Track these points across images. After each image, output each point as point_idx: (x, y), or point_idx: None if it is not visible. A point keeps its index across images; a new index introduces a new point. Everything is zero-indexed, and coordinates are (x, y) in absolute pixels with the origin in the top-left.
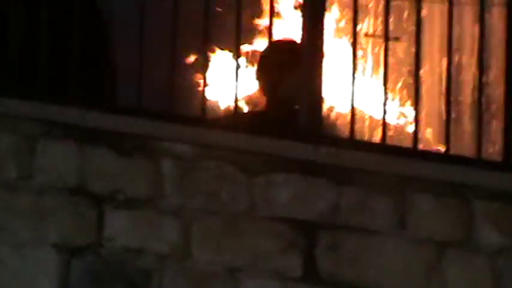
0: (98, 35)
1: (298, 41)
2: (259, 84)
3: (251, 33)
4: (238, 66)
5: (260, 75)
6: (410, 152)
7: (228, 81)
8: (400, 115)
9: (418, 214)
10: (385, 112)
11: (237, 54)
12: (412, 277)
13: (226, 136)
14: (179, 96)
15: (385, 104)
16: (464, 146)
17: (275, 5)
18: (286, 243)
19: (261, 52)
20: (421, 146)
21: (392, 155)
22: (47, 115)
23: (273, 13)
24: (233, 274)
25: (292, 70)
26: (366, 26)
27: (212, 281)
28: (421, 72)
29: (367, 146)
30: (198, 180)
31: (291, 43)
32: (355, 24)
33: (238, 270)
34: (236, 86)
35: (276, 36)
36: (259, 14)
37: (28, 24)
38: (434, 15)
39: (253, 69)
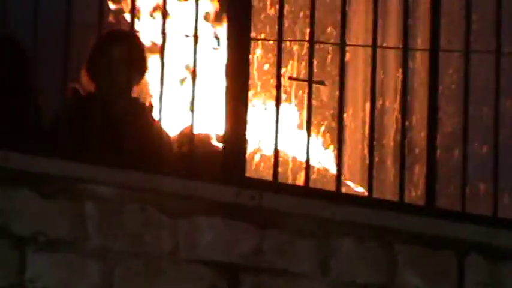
0: (20, 75)
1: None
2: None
3: None
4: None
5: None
6: (333, 195)
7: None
8: (323, 158)
9: (340, 257)
10: (308, 155)
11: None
12: None
13: (149, 178)
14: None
15: (308, 147)
16: (387, 190)
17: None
18: (209, 286)
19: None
20: (344, 190)
21: (316, 198)
22: None
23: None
24: None
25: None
26: (290, 69)
27: None
28: (345, 115)
29: (290, 189)
30: (122, 223)
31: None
32: (279, 68)
33: None
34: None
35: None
36: None
37: None
38: (358, 60)
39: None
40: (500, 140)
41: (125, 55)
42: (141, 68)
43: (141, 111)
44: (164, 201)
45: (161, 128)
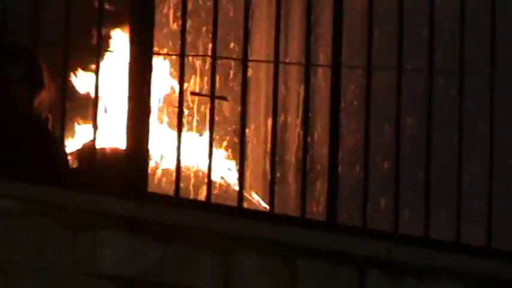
0: None
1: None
2: None
3: None
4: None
5: None
6: (235, 211)
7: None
8: (225, 174)
9: (242, 273)
10: (210, 170)
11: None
12: None
13: (51, 192)
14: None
15: (210, 163)
16: (289, 205)
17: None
18: None
19: None
20: (245, 205)
21: (217, 213)
22: None
23: None
24: None
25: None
26: (192, 84)
27: None
28: (247, 131)
29: (192, 204)
30: (23, 237)
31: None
32: (181, 82)
33: None
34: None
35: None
36: None
37: None
38: (260, 75)
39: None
40: (401, 157)
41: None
42: (38, 83)
43: (40, 125)
44: (66, 215)
45: (57, 142)
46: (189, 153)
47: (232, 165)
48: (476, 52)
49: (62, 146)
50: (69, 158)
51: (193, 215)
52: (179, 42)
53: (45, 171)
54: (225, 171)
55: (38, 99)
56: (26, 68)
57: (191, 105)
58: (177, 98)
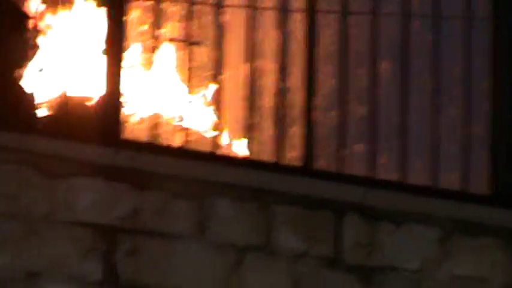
0: None
1: None
2: None
3: None
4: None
5: None
6: (211, 157)
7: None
8: (200, 120)
9: (217, 219)
10: (185, 117)
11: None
12: (213, 281)
13: (25, 139)
14: None
15: (186, 109)
16: (265, 151)
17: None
18: (86, 248)
19: None
20: (221, 151)
21: (193, 159)
22: None
23: None
24: (32, 279)
25: None
26: (169, 30)
27: (11, 286)
28: (223, 77)
29: (168, 151)
30: None
31: None
32: (157, 28)
33: (37, 275)
34: (36, 89)
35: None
36: None
37: None
38: (236, 21)
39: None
40: (377, 102)
41: None
42: None
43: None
44: (41, 162)
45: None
46: (164, 100)
47: (209, 110)
48: None
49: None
50: (42, 106)
51: (168, 161)
52: None
53: (18, 118)
54: (200, 117)
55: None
56: None
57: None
58: (153, 44)
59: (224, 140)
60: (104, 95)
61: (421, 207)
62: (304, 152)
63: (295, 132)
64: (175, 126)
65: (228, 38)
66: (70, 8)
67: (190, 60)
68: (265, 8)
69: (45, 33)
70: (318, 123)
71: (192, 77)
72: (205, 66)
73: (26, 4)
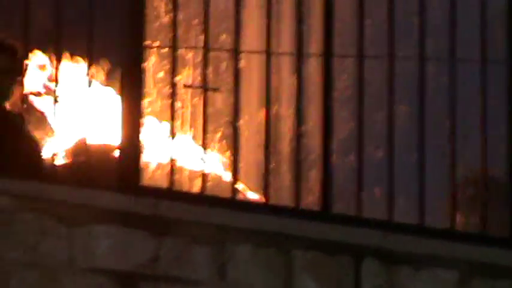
0: None
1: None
2: None
3: None
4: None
5: None
6: (229, 203)
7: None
8: (219, 166)
9: (237, 264)
10: (204, 163)
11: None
12: None
13: (45, 188)
14: None
15: (204, 155)
16: (283, 196)
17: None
18: None
19: None
20: (240, 197)
21: (211, 205)
22: None
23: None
24: None
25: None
26: (185, 76)
27: None
28: (240, 122)
29: (187, 197)
30: (17, 233)
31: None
32: (174, 75)
33: None
34: (55, 137)
35: None
36: None
37: None
38: (252, 66)
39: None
40: (394, 145)
41: (7, 64)
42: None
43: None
44: (60, 210)
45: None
46: (182, 146)
47: (227, 156)
48: (467, 39)
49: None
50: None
51: (187, 207)
52: (171, 35)
53: (38, 166)
54: (218, 163)
55: (16, 93)
56: (7, 60)
57: (184, 97)
58: (170, 91)
59: (242, 185)
60: (123, 142)
61: (440, 250)
62: (322, 196)
63: (313, 176)
64: (194, 172)
65: (245, 84)
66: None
67: (207, 106)
68: (281, 53)
69: (63, 81)
70: (335, 167)
71: (209, 123)
72: (222, 112)
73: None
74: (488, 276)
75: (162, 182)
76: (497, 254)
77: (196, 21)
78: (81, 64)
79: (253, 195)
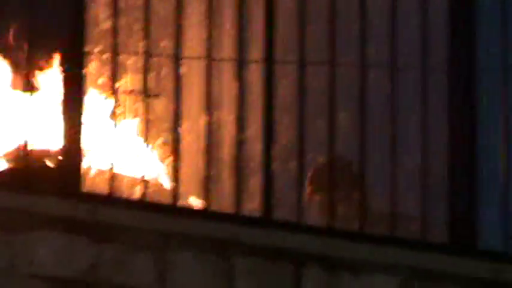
0: None
1: None
2: None
3: None
4: None
5: None
6: (170, 209)
7: None
8: (160, 171)
9: (177, 270)
10: (144, 169)
11: None
12: None
13: None
14: None
15: (144, 161)
16: (225, 202)
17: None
18: None
19: None
20: (181, 203)
21: (152, 211)
22: None
23: None
24: None
25: None
26: (124, 83)
27: None
28: (181, 129)
29: (127, 203)
30: None
31: None
32: (114, 81)
33: None
34: None
35: None
36: None
37: None
38: (193, 72)
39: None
40: (335, 151)
41: None
42: None
43: None
44: (0, 216)
45: None
46: (123, 152)
47: (167, 162)
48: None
49: None
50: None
51: (128, 213)
52: (111, 40)
53: None
54: (158, 169)
55: None
56: None
57: (124, 103)
58: (111, 97)
59: (183, 191)
60: (64, 148)
61: (380, 257)
62: (262, 203)
63: (254, 183)
64: (135, 178)
65: (186, 90)
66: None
67: (148, 112)
68: (222, 59)
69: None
70: (276, 174)
71: (150, 129)
72: (163, 117)
73: None
74: (429, 281)
75: (103, 188)
76: (437, 259)
77: (137, 26)
78: (22, 68)
79: (194, 202)
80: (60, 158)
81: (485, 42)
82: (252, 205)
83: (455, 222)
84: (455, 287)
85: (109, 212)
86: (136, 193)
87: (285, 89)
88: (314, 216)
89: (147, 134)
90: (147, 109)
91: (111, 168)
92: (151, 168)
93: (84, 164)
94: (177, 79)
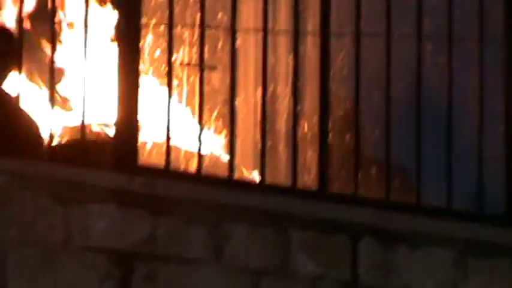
0: None
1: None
2: None
3: None
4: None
5: None
6: (226, 182)
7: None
8: (215, 145)
9: (234, 243)
10: (200, 142)
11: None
12: None
13: (42, 166)
14: None
15: (200, 134)
16: (280, 175)
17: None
18: (102, 273)
19: None
20: (236, 175)
21: (208, 184)
22: None
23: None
24: None
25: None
26: (181, 55)
27: None
28: (236, 101)
29: (183, 176)
30: (13, 211)
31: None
32: (170, 53)
33: None
34: (53, 117)
35: None
36: None
37: None
38: (249, 45)
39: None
40: (391, 124)
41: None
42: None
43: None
44: (57, 189)
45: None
46: (179, 125)
47: (224, 135)
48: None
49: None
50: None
51: (184, 187)
52: (167, 13)
53: (35, 146)
54: (214, 142)
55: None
56: (4, 43)
57: (180, 76)
58: (166, 69)
59: (239, 164)
60: (120, 122)
61: (436, 229)
62: (318, 176)
63: (310, 155)
64: (191, 151)
65: (242, 62)
66: (84, 36)
67: (203, 84)
68: (278, 31)
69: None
70: (332, 146)
71: (206, 102)
72: (219, 90)
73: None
74: (484, 255)
75: (159, 161)
76: (493, 232)
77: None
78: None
79: (249, 175)
80: (116, 131)
81: None
82: (308, 178)
83: (511, 195)
84: (511, 259)
85: (165, 185)
86: (193, 166)
87: (341, 61)
88: (369, 188)
89: (203, 106)
90: (203, 82)
91: (167, 142)
92: (207, 141)
93: (140, 138)
94: (233, 52)
